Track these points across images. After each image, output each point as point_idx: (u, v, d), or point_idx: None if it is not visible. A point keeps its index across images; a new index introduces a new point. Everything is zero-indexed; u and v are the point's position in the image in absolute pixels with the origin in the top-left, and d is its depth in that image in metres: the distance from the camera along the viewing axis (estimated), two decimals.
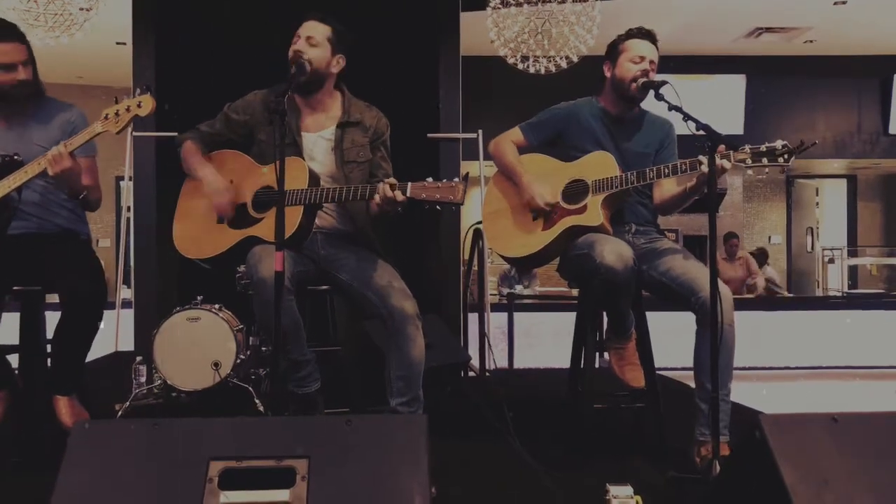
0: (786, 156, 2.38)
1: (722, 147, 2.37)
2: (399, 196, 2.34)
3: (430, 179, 2.33)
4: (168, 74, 4.63)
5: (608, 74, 2.74)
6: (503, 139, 2.84)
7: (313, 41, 2.62)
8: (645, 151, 2.76)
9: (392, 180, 2.37)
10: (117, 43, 7.34)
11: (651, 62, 2.66)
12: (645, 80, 2.62)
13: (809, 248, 10.95)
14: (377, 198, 2.38)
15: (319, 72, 2.64)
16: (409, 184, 2.35)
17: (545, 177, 2.74)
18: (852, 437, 1.64)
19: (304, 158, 2.63)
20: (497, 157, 2.84)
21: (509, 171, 2.80)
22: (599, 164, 2.65)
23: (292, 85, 2.44)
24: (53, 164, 2.48)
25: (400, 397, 2.50)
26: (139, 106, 2.46)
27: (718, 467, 2.14)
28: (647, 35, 2.69)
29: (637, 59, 2.65)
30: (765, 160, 2.40)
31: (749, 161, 2.41)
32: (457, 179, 2.31)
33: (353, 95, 2.80)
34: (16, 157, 2.57)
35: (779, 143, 2.39)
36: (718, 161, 2.37)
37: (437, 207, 2.34)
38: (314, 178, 2.58)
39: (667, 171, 2.53)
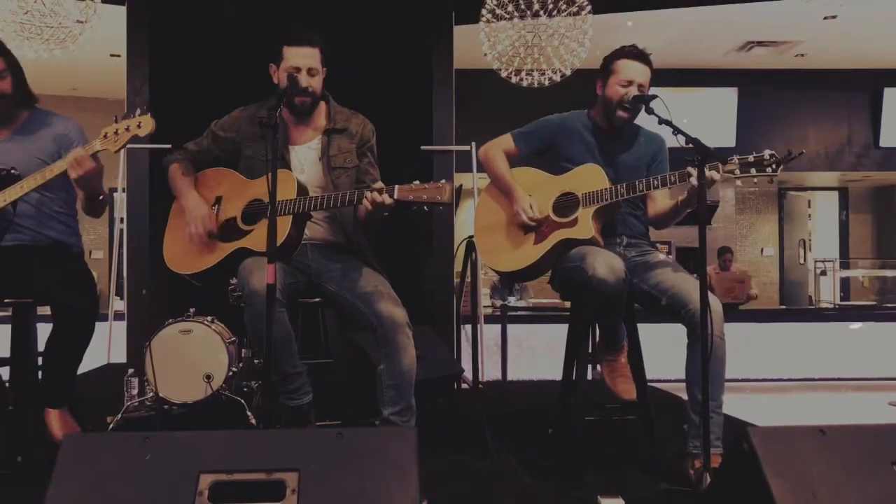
0: (774, 165, 2.40)
1: (717, 165, 2.40)
2: (387, 199, 2.35)
3: (416, 182, 2.35)
4: (162, 86, 4.65)
5: (599, 92, 2.76)
6: (494, 147, 2.85)
7: (313, 71, 2.64)
8: (637, 165, 2.77)
9: (380, 184, 2.39)
10: (111, 55, 7.37)
11: (640, 85, 2.67)
12: (635, 94, 2.64)
13: (802, 261, 11.00)
14: (365, 202, 2.39)
15: (317, 95, 2.68)
16: (397, 186, 2.36)
17: (536, 190, 2.75)
18: (840, 449, 1.64)
19: (292, 171, 2.64)
20: (488, 165, 2.85)
21: (500, 182, 2.81)
22: (589, 177, 2.66)
23: (283, 100, 2.45)
24: (76, 167, 2.48)
25: (392, 406, 2.49)
26: (139, 126, 2.46)
27: (709, 479, 2.15)
28: (640, 56, 2.69)
29: (625, 82, 2.67)
30: (753, 170, 2.42)
31: (738, 171, 2.42)
32: (444, 181, 2.33)
33: (348, 107, 2.82)
34: (13, 171, 2.57)
35: (766, 153, 2.41)
36: (708, 172, 2.39)
37: (425, 208, 2.36)
38: (302, 189, 2.59)
39: (656, 182, 2.54)
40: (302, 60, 2.62)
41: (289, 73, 2.59)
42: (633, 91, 2.66)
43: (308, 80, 2.62)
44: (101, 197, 2.67)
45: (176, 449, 1.59)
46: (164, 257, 2.75)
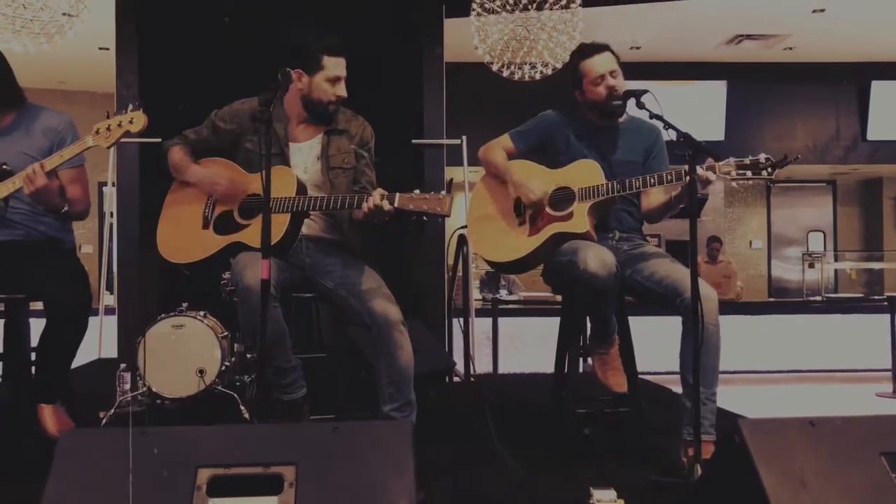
0: (769, 169, 2.42)
1: (711, 162, 2.43)
2: (386, 206, 2.36)
3: (417, 191, 2.36)
4: (151, 79, 4.62)
5: (581, 99, 2.79)
6: (493, 145, 2.87)
7: (344, 78, 2.67)
8: (632, 160, 2.78)
9: (381, 190, 2.39)
10: (100, 48, 7.32)
11: (612, 72, 2.69)
12: (626, 90, 2.65)
13: (793, 253, 11.04)
14: (365, 207, 2.40)
15: None
16: (398, 195, 2.37)
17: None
18: (829, 440, 1.67)
19: (292, 169, 2.64)
20: (487, 161, 2.87)
21: (499, 172, 2.82)
22: (585, 173, 2.68)
23: (277, 94, 2.44)
24: (28, 183, 2.47)
25: (392, 403, 2.51)
26: (131, 122, 2.45)
27: (700, 470, 2.17)
28: (594, 49, 2.72)
29: (597, 79, 2.69)
30: (748, 173, 2.44)
31: (734, 173, 2.45)
32: (444, 192, 2.34)
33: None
34: (4, 167, 2.56)
35: (762, 157, 2.43)
36: (703, 173, 2.42)
37: (424, 218, 2.37)
38: (301, 187, 2.59)
39: (652, 181, 2.56)
40: (341, 70, 2.66)
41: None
42: (608, 81, 2.68)
43: (342, 87, 2.65)
44: (62, 210, 2.65)
45: (173, 444, 1.60)
46: (158, 245, 2.74)
